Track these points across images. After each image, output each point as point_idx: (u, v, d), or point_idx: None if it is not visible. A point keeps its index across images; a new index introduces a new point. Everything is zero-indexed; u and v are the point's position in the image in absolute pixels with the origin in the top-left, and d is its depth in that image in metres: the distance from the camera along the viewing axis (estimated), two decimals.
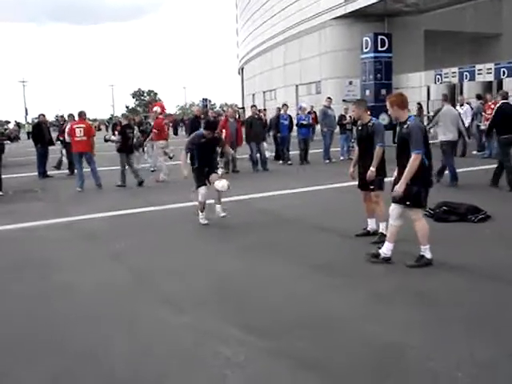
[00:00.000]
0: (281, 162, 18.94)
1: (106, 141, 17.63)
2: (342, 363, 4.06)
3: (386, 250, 6.52)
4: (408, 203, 6.23)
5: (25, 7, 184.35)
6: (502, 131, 11.52)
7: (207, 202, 9.21)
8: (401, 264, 6.38)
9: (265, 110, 35.87)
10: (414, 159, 6.05)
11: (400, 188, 6.11)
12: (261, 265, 6.76)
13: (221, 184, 9.01)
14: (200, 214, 9.19)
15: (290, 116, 19.29)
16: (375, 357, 4.14)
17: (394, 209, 6.39)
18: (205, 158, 9.19)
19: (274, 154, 19.44)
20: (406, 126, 6.22)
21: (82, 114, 14.96)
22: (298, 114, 19.51)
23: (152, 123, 18.15)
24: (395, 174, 6.49)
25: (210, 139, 9.14)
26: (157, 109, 18.53)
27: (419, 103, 26.39)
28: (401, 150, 6.31)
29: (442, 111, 12.69)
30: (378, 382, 3.79)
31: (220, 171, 9.63)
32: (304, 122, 18.59)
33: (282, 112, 19.06)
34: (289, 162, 18.56)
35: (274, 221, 9.46)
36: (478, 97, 20.33)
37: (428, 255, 6.31)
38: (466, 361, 4.00)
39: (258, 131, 17.33)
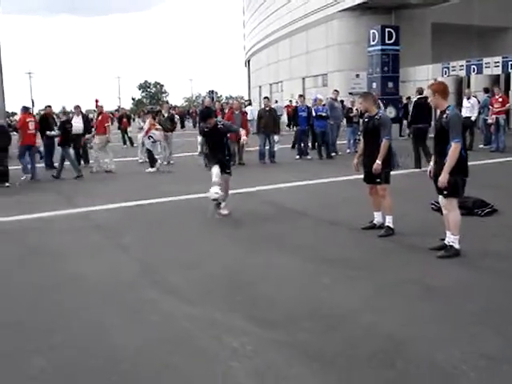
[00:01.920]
0: (297, 157, 17.85)
1: (48, 137, 17.57)
2: (348, 355, 4.07)
3: (449, 238, 6.50)
4: (445, 193, 6.27)
5: None
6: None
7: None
8: (409, 257, 6.39)
9: (290, 101, 35.75)
10: (455, 148, 6.06)
11: (443, 178, 6.12)
12: (268, 257, 6.78)
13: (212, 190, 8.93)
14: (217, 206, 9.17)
15: (307, 107, 18.20)
16: (379, 348, 4.15)
17: (442, 199, 6.46)
18: (214, 146, 9.33)
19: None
20: (445, 116, 6.21)
21: (27, 109, 15.88)
22: (314, 106, 18.23)
23: (165, 115, 18.25)
24: (431, 163, 6.53)
25: (214, 128, 9.21)
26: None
27: (408, 97, 25.98)
28: (439, 139, 6.32)
29: (415, 102, 15.26)
30: (384, 374, 3.80)
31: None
32: (323, 114, 17.64)
33: (299, 104, 18.42)
34: (308, 157, 17.81)
35: (280, 213, 9.47)
36: (486, 90, 20.24)
37: (457, 245, 6.35)
38: (473, 353, 4.00)
39: (267, 123, 17.11)
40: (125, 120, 26.85)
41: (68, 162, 15.22)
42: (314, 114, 17.72)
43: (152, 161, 16.25)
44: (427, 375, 3.78)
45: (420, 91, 15.53)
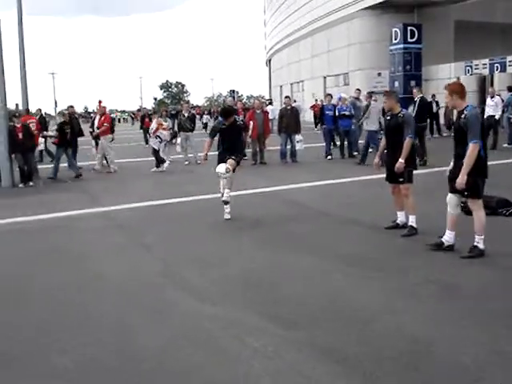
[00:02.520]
0: (329, 157, 17.48)
1: (44, 137, 17.70)
2: (369, 356, 4.03)
3: (448, 238, 6.52)
4: (466, 193, 6.23)
5: (51, 0, 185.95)
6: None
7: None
8: (432, 256, 6.32)
9: (316, 100, 35.39)
10: (472, 150, 6.01)
11: (461, 180, 6.08)
12: (288, 256, 6.75)
13: (220, 167, 8.96)
14: (225, 206, 9.04)
15: (334, 106, 18.03)
16: (403, 349, 4.11)
17: (451, 198, 6.45)
18: (227, 143, 9.26)
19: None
20: (463, 116, 6.14)
21: (28, 111, 16.32)
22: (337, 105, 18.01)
23: (186, 115, 18.26)
24: (451, 163, 6.47)
25: (231, 125, 9.20)
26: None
27: (433, 94, 25.69)
28: (458, 139, 6.26)
29: (370, 106, 16.18)
30: (406, 375, 3.76)
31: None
32: (346, 113, 17.39)
33: (325, 102, 18.23)
34: (328, 158, 17.48)
35: (301, 213, 9.43)
36: (509, 88, 19.95)
37: (481, 246, 6.28)
38: (498, 354, 3.95)
39: (289, 122, 16.99)
40: (147, 120, 26.96)
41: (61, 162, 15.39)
42: (337, 113, 17.55)
43: (159, 160, 16.30)
44: (453, 377, 3.72)
45: (421, 90, 16.27)
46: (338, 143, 18.15)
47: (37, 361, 4.24)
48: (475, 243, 6.31)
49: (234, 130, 9.24)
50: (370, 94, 17.07)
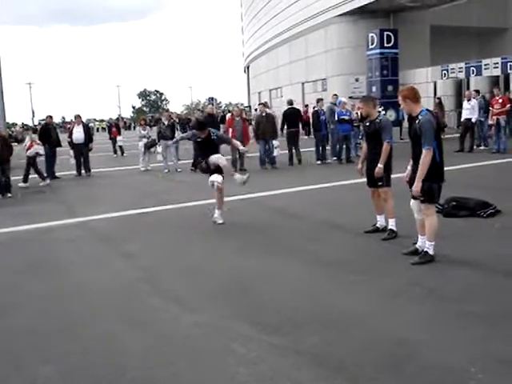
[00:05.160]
0: (318, 162, 17.74)
1: (50, 146, 17.44)
2: (354, 359, 4.06)
3: (421, 243, 6.52)
4: (422, 199, 6.24)
5: (25, 9, 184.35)
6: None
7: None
8: (410, 260, 6.36)
9: (306, 106, 34.92)
10: (425, 155, 6.03)
11: (416, 187, 6.11)
12: (271, 262, 6.77)
13: (215, 176, 8.88)
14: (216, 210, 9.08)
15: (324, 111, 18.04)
16: (388, 353, 4.14)
17: (413, 203, 6.46)
18: (206, 155, 9.05)
19: (280, 152, 17.79)
20: (417, 121, 6.16)
21: None
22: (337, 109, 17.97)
23: (166, 123, 18.28)
24: (409, 167, 6.50)
25: (207, 139, 9.05)
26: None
27: (439, 98, 25.87)
28: (414, 144, 6.29)
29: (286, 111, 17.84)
30: (390, 378, 3.79)
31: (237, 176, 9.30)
32: (345, 118, 17.42)
33: (318, 108, 18.15)
34: (328, 161, 17.73)
35: (283, 218, 9.47)
36: (478, 92, 20.23)
37: (431, 251, 6.28)
38: (482, 356, 3.99)
39: (265, 129, 17.08)
40: (114, 129, 26.97)
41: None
42: (336, 117, 17.52)
43: (40, 174, 15.97)
44: (438, 379, 3.76)
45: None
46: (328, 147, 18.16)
47: (19, 370, 4.22)
48: (425, 249, 6.33)
49: (210, 144, 9.06)
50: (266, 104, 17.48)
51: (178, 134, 17.89)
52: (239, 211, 9.77)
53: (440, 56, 32.75)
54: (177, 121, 27.52)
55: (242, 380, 3.86)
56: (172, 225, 9.36)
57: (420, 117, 6.14)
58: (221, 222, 9.07)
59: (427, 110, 6.28)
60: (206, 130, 9.08)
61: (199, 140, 9.16)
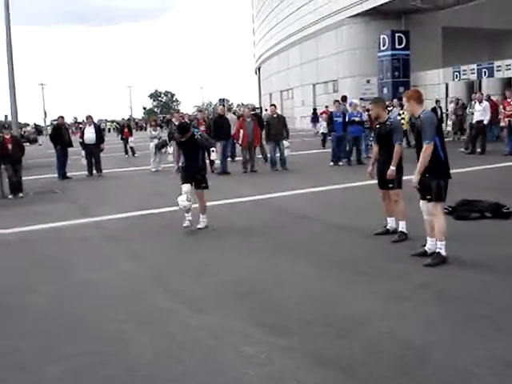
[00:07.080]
0: (331, 164, 17.56)
1: (62, 147, 17.46)
2: (363, 361, 4.05)
3: (430, 245, 6.53)
4: (429, 197, 6.27)
5: (38, 11, 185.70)
6: None
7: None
8: (420, 262, 6.34)
9: (326, 107, 34.38)
10: (425, 150, 6.15)
11: (414, 179, 6.22)
12: (280, 263, 6.77)
13: (181, 199, 8.82)
14: (186, 214, 8.91)
15: (343, 113, 17.84)
16: (396, 354, 4.12)
17: (423, 204, 6.49)
18: (189, 158, 9.04)
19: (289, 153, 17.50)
20: (419, 119, 6.33)
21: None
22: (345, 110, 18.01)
23: (177, 123, 18.36)
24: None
25: (190, 139, 8.98)
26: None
27: (459, 99, 25.65)
28: (417, 143, 6.39)
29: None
30: (400, 380, 3.77)
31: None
32: (356, 119, 17.36)
33: (334, 109, 18.11)
34: (340, 163, 17.58)
35: (293, 220, 9.46)
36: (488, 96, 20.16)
37: (443, 252, 6.28)
38: (490, 358, 3.97)
39: (276, 130, 17.01)
40: (126, 130, 27.05)
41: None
42: (347, 119, 17.46)
43: None
44: (446, 381, 3.74)
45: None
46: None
47: (28, 370, 4.24)
48: (437, 249, 6.32)
49: (193, 143, 8.98)
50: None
51: None
52: (249, 212, 9.76)
53: (452, 57, 32.57)
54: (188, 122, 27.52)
55: (249, 381, 3.86)
56: (179, 226, 9.33)
57: (422, 115, 6.32)
58: (201, 226, 8.97)
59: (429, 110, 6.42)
60: (188, 133, 9.00)
61: (182, 140, 9.02)
